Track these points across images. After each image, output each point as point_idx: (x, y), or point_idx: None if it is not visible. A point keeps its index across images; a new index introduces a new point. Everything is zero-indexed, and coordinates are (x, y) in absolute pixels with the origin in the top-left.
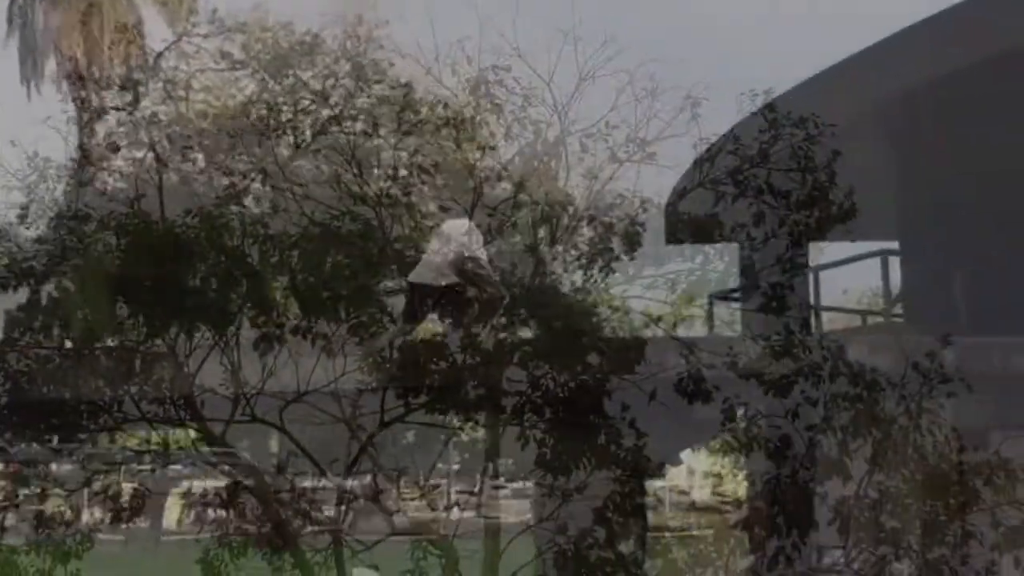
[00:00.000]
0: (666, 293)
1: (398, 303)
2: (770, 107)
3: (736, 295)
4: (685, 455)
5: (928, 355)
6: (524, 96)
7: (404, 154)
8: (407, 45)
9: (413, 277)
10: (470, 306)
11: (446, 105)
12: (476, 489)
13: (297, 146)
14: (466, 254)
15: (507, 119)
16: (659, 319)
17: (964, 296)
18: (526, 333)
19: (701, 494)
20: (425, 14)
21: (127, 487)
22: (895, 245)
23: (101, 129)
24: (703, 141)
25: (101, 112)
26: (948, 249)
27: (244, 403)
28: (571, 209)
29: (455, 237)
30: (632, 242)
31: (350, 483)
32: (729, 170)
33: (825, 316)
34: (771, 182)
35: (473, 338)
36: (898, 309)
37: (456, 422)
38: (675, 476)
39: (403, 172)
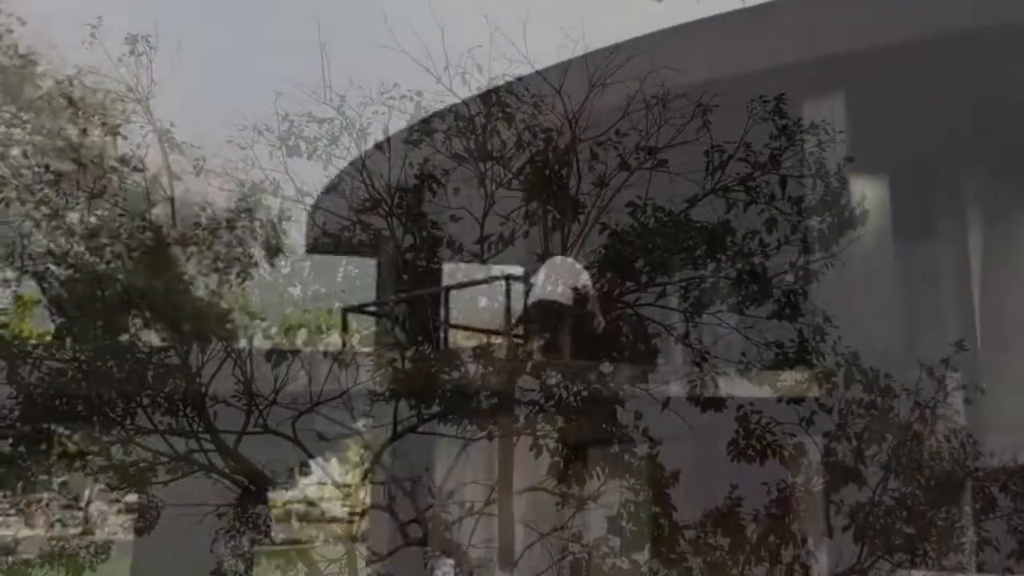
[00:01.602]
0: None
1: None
2: None
3: (371, 308)
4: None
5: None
6: (534, 104)
7: None
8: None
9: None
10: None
11: None
12: None
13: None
14: (579, 286)
15: (518, 127)
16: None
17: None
18: None
19: (331, 505)
20: (435, 23)
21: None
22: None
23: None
24: None
25: None
26: None
27: (257, 414)
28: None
29: (568, 271)
30: (274, 249)
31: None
32: None
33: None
34: None
35: None
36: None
37: None
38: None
39: None
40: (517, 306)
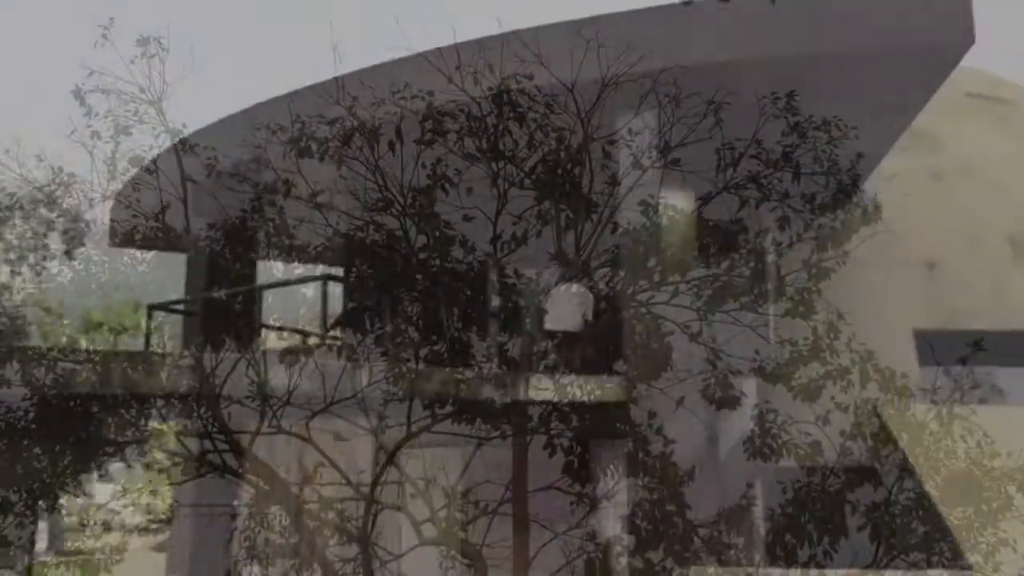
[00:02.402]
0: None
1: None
2: None
3: (177, 306)
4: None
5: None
6: (546, 103)
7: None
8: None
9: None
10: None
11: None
12: None
13: (321, 157)
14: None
15: (530, 126)
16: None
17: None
18: None
19: (130, 513)
20: (446, 22)
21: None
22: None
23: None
24: None
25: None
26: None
27: (271, 414)
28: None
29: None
30: (73, 240)
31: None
32: None
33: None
34: None
35: None
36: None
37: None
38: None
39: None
40: (336, 307)
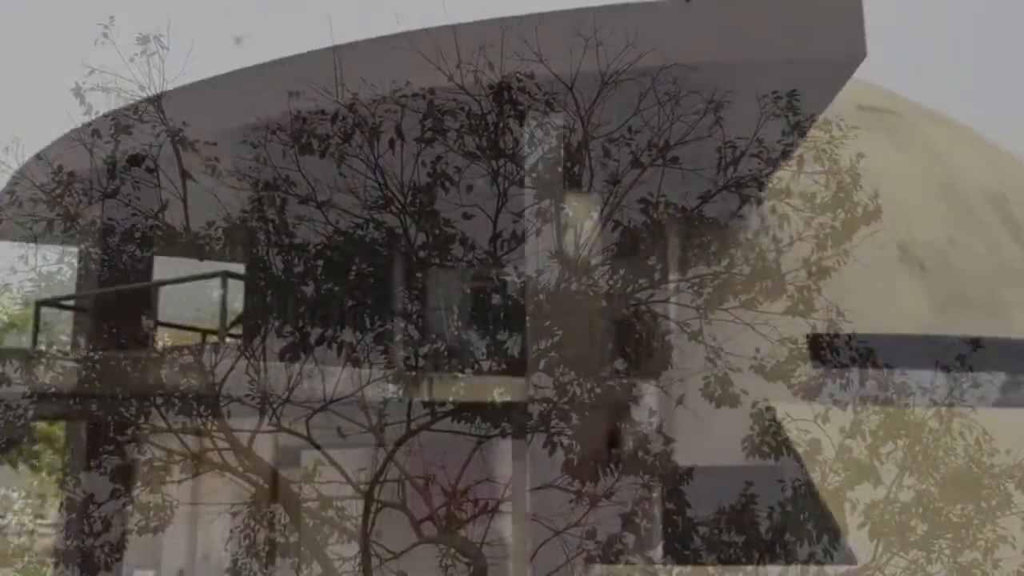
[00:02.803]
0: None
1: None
2: None
3: (68, 302)
4: None
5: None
6: (546, 102)
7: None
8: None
9: None
10: None
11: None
12: None
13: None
14: None
15: (530, 124)
16: None
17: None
18: None
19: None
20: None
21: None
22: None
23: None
24: None
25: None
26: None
27: (271, 412)
28: None
29: None
30: None
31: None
32: None
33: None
34: None
35: None
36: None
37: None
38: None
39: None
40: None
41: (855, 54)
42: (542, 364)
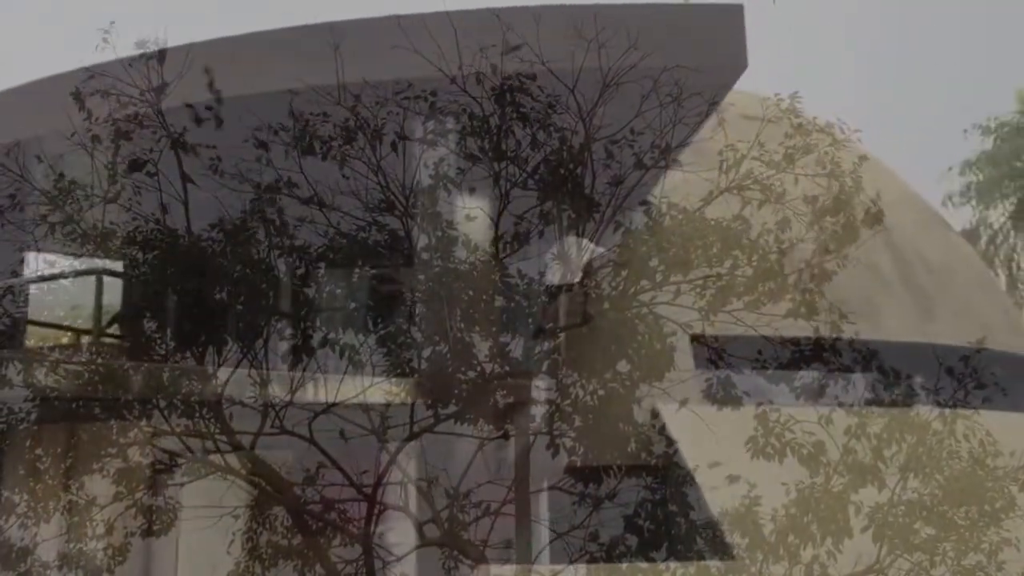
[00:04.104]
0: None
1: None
2: None
3: None
4: None
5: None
6: (548, 104)
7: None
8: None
9: None
10: None
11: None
12: None
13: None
14: None
15: (532, 126)
16: None
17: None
18: None
19: None
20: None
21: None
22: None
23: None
24: None
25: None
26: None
27: (273, 415)
28: None
29: None
30: None
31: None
32: None
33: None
34: None
35: None
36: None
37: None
38: None
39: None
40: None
41: (737, 65)
42: (545, 366)
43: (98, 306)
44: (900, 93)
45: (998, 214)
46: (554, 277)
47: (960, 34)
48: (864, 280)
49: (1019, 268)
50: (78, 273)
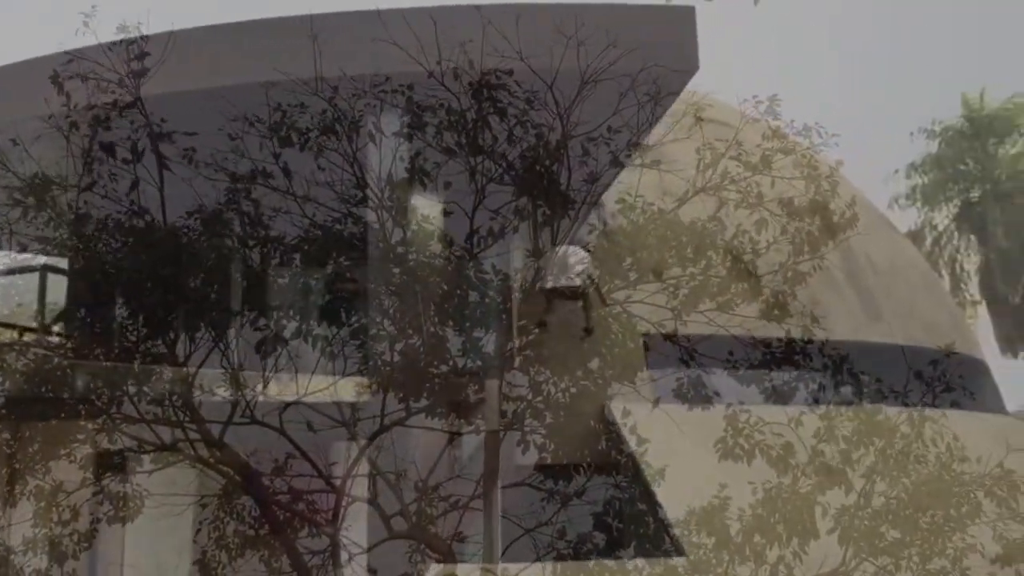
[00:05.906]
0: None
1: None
2: None
3: None
4: None
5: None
6: (526, 100)
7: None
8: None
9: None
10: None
11: None
12: None
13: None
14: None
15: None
16: None
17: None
18: None
19: None
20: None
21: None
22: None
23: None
24: None
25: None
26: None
27: (244, 405)
28: None
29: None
30: None
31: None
32: None
33: None
34: None
35: None
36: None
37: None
38: None
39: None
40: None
41: (687, 67)
42: (517, 362)
43: (42, 302)
44: (848, 96)
45: (943, 216)
46: (527, 274)
47: (908, 38)
48: (812, 281)
49: (963, 269)
50: (23, 270)
